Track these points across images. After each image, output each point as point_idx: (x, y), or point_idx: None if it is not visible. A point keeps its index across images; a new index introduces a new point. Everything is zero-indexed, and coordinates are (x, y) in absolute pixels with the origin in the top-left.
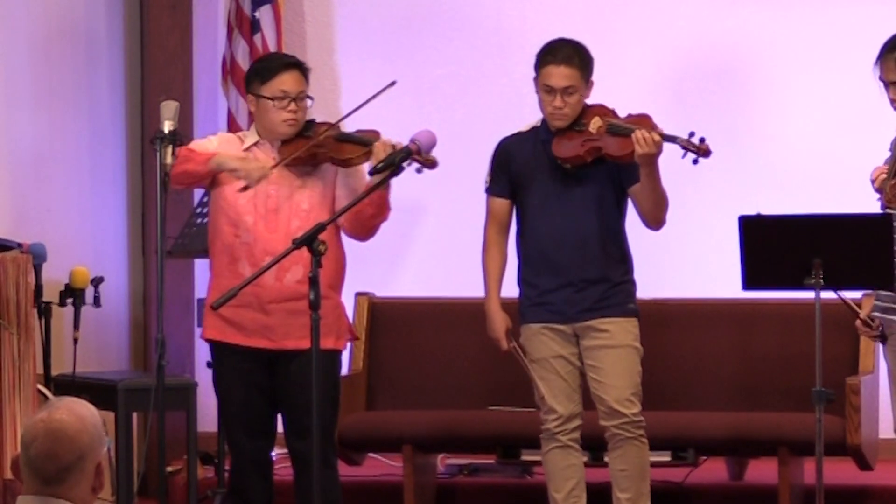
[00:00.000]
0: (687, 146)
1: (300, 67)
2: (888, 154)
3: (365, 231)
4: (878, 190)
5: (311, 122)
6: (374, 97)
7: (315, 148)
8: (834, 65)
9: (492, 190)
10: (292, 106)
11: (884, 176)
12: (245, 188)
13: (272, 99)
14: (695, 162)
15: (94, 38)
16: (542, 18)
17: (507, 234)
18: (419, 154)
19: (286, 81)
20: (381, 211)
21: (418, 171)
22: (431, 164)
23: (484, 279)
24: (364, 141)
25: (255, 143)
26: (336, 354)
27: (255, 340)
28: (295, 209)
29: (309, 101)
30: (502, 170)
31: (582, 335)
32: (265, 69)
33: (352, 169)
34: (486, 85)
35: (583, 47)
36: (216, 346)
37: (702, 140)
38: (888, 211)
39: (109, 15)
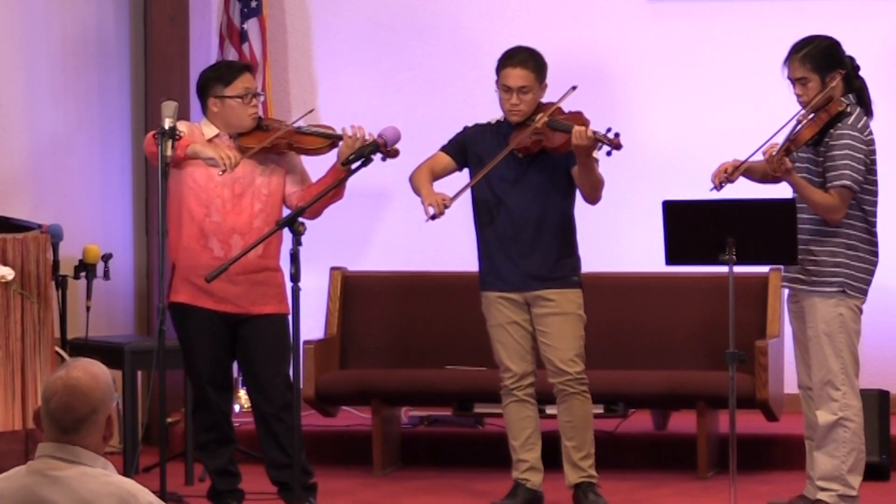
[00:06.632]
0: (602, 140)
1: (250, 68)
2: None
3: (319, 212)
4: (767, 160)
5: (260, 118)
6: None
7: (280, 139)
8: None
9: (445, 147)
10: (254, 101)
11: (774, 150)
12: (223, 172)
13: (239, 97)
14: (608, 154)
15: (104, 46)
16: (494, 29)
17: (433, 179)
18: (385, 147)
19: (247, 80)
20: (337, 194)
21: (383, 159)
22: (394, 154)
23: (417, 184)
24: (325, 134)
25: (216, 136)
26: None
27: (224, 306)
28: (257, 193)
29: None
30: (462, 143)
31: (532, 304)
32: (226, 74)
33: (294, 157)
34: (443, 87)
35: (538, 54)
36: (185, 309)
37: (616, 135)
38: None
39: (118, 26)
